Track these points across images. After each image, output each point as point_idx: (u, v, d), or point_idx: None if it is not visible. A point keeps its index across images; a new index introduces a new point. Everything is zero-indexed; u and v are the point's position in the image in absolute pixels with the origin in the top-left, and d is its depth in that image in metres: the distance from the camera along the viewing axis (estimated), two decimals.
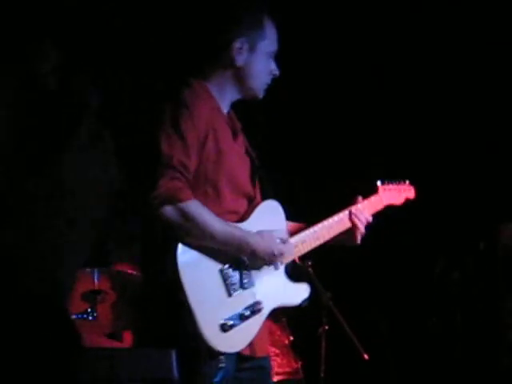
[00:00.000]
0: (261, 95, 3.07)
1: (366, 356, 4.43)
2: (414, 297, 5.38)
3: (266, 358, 3.08)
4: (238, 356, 2.90)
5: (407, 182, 3.58)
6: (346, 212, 3.22)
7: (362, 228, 3.21)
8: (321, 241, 3.14)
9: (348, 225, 3.21)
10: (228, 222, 2.87)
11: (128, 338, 4.38)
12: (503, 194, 4.81)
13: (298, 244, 3.07)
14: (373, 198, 3.38)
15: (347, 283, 5.33)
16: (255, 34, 3.00)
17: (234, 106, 3.10)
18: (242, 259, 2.87)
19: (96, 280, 3.91)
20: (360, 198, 3.29)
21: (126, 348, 4.20)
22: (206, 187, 2.89)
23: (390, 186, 3.48)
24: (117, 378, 4.03)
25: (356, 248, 3.27)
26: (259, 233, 2.90)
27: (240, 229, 2.88)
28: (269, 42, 3.03)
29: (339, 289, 4.63)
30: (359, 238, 3.23)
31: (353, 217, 3.21)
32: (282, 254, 2.92)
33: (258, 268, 2.92)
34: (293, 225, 3.16)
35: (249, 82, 3.03)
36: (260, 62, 3.02)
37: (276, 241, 2.92)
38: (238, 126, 3.11)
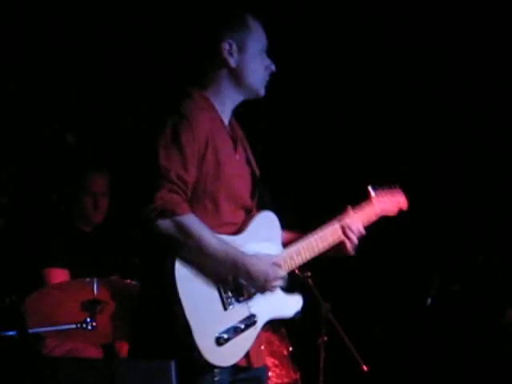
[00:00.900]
0: (262, 92, 3.08)
1: (364, 367, 4.43)
2: (412, 308, 5.36)
3: (263, 369, 3.08)
4: (234, 367, 2.90)
5: (397, 186, 3.49)
6: (338, 224, 3.18)
7: (354, 240, 3.19)
8: (315, 252, 3.12)
9: (342, 237, 3.18)
10: (225, 239, 2.87)
11: (125, 349, 4.38)
12: (502, 207, 4.79)
13: (292, 256, 3.05)
14: (366, 208, 3.32)
15: (347, 294, 5.33)
16: (241, 34, 3.01)
17: (236, 112, 3.10)
18: (236, 279, 2.87)
19: (96, 290, 3.90)
20: (350, 209, 3.24)
21: (124, 358, 4.21)
22: (204, 200, 2.90)
23: (383, 194, 3.40)
24: None
25: (355, 258, 3.26)
26: (257, 255, 2.90)
27: (236, 248, 2.87)
28: (256, 38, 3.05)
29: (338, 299, 4.63)
30: (352, 249, 3.20)
31: (346, 230, 3.18)
32: (276, 279, 2.91)
33: (251, 289, 2.91)
34: (287, 235, 3.14)
35: (247, 80, 3.03)
36: (253, 60, 3.03)
37: (272, 265, 2.92)
38: (240, 134, 3.11)
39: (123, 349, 4.34)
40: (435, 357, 5.35)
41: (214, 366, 2.81)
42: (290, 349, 4.71)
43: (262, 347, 3.11)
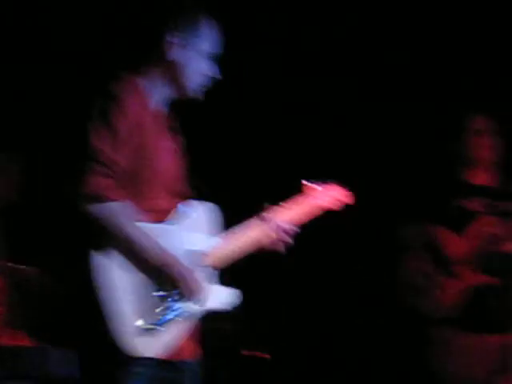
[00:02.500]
0: (192, 95, 3.02)
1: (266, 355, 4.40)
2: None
3: (195, 362, 3.00)
4: (161, 360, 2.83)
5: (336, 183, 3.38)
6: (268, 221, 3.09)
7: (285, 238, 3.10)
8: (243, 252, 3.05)
9: (271, 235, 3.09)
10: (151, 227, 2.81)
11: (21, 337, 4.32)
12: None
13: (221, 251, 3.00)
14: (300, 202, 3.21)
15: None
16: (189, 31, 2.94)
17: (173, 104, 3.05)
18: (162, 270, 2.80)
19: None
20: (282, 205, 3.16)
21: (28, 346, 4.15)
22: (132, 184, 2.82)
23: (320, 188, 3.29)
24: (17, 374, 3.94)
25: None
26: (180, 253, 2.85)
27: (160, 245, 2.80)
28: (204, 41, 2.98)
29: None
30: (283, 247, 3.12)
31: (275, 228, 3.08)
32: (192, 282, 2.85)
33: (176, 288, 2.84)
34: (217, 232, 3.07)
35: (179, 79, 2.97)
36: (193, 61, 2.97)
37: (197, 273, 2.86)
38: (172, 124, 3.05)
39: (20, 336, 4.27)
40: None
41: (137, 357, 2.74)
42: None
43: (194, 340, 3.01)
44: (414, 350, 4.20)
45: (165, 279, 2.81)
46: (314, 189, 3.28)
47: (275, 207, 3.16)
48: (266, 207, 3.15)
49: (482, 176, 4.24)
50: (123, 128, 2.77)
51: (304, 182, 3.29)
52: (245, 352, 4.94)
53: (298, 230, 3.15)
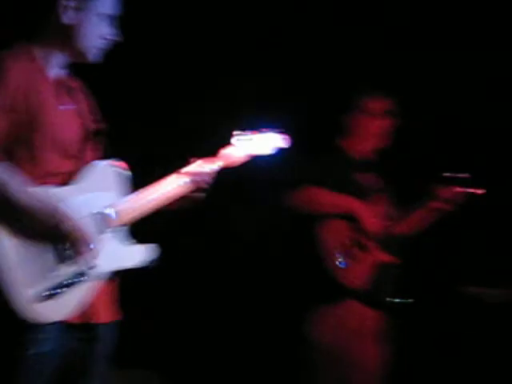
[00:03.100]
0: (91, 58, 2.98)
1: None
2: None
3: (110, 325, 2.98)
4: (70, 323, 2.82)
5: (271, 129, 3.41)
6: (181, 173, 3.14)
7: (201, 182, 3.16)
8: (158, 201, 3.06)
9: (187, 183, 3.14)
10: (44, 191, 2.76)
11: None
12: None
13: (132, 206, 2.99)
14: (225, 152, 3.29)
15: None
16: None
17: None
18: (57, 233, 2.75)
19: None
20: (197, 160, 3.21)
21: None
22: (19, 150, 2.79)
23: (250, 136, 3.35)
24: None
25: None
26: (76, 210, 2.78)
27: (52, 202, 2.74)
28: (102, 3, 2.95)
29: None
30: (201, 191, 3.18)
31: (190, 174, 3.14)
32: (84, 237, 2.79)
33: (72, 248, 2.78)
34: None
35: (77, 43, 2.94)
36: (88, 23, 2.93)
37: (90, 236, 2.80)
38: (74, 85, 3.03)
39: None
40: None
41: (40, 324, 2.71)
42: None
43: (110, 302, 3.00)
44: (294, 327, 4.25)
45: (60, 240, 2.76)
46: (242, 138, 3.33)
47: (199, 160, 3.20)
48: (190, 161, 3.19)
49: (371, 151, 4.39)
50: (3, 96, 2.73)
51: (234, 132, 3.33)
52: None
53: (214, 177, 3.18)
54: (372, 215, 4.30)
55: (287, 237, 4.41)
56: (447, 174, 4.38)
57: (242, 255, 5.41)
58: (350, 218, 4.25)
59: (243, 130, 3.37)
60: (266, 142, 3.37)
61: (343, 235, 4.23)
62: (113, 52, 3.02)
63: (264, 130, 3.37)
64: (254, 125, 3.40)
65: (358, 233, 4.26)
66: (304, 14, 5.28)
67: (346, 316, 4.20)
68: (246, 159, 3.36)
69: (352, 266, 4.20)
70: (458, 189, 4.36)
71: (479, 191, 4.35)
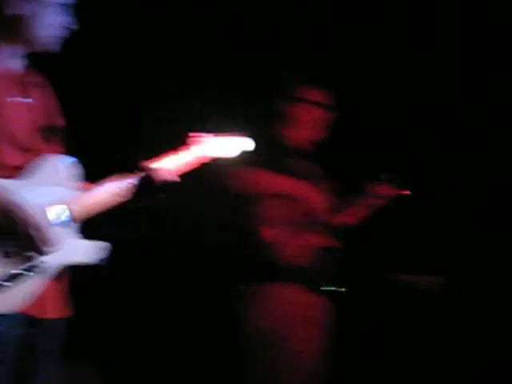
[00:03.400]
0: (50, 47, 2.96)
1: None
2: None
3: (58, 321, 2.97)
4: (15, 316, 2.79)
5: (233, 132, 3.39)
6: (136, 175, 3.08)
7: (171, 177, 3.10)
8: (105, 204, 3.01)
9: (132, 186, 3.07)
10: None
11: None
12: None
13: (79, 209, 2.95)
14: (180, 154, 3.21)
15: None
16: None
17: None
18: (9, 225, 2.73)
19: None
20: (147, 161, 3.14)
21: None
22: None
23: (209, 139, 3.28)
24: None
25: None
26: (28, 202, 2.76)
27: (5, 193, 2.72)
28: None
29: None
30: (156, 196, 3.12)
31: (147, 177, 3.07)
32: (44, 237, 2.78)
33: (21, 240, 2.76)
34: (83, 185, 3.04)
35: (28, 33, 2.92)
36: (45, 12, 2.92)
37: (42, 228, 2.78)
38: (33, 80, 3.01)
39: None
40: None
41: None
42: None
43: (60, 298, 2.98)
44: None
45: (9, 231, 2.73)
46: (200, 139, 3.27)
47: (153, 160, 3.14)
48: (142, 165, 3.12)
49: (307, 141, 4.42)
50: None
51: (190, 134, 3.28)
52: None
53: (177, 179, 3.13)
54: (316, 197, 4.36)
55: (225, 217, 4.44)
56: (382, 175, 4.50)
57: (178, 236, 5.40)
58: (292, 199, 4.30)
59: (201, 131, 3.32)
60: (226, 145, 3.33)
61: (283, 214, 4.26)
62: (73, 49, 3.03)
63: (225, 132, 3.35)
64: (212, 126, 3.38)
65: (298, 213, 4.30)
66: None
67: (284, 299, 4.20)
68: (206, 161, 3.29)
69: (291, 243, 4.24)
70: (389, 188, 4.49)
71: (406, 192, 4.51)
